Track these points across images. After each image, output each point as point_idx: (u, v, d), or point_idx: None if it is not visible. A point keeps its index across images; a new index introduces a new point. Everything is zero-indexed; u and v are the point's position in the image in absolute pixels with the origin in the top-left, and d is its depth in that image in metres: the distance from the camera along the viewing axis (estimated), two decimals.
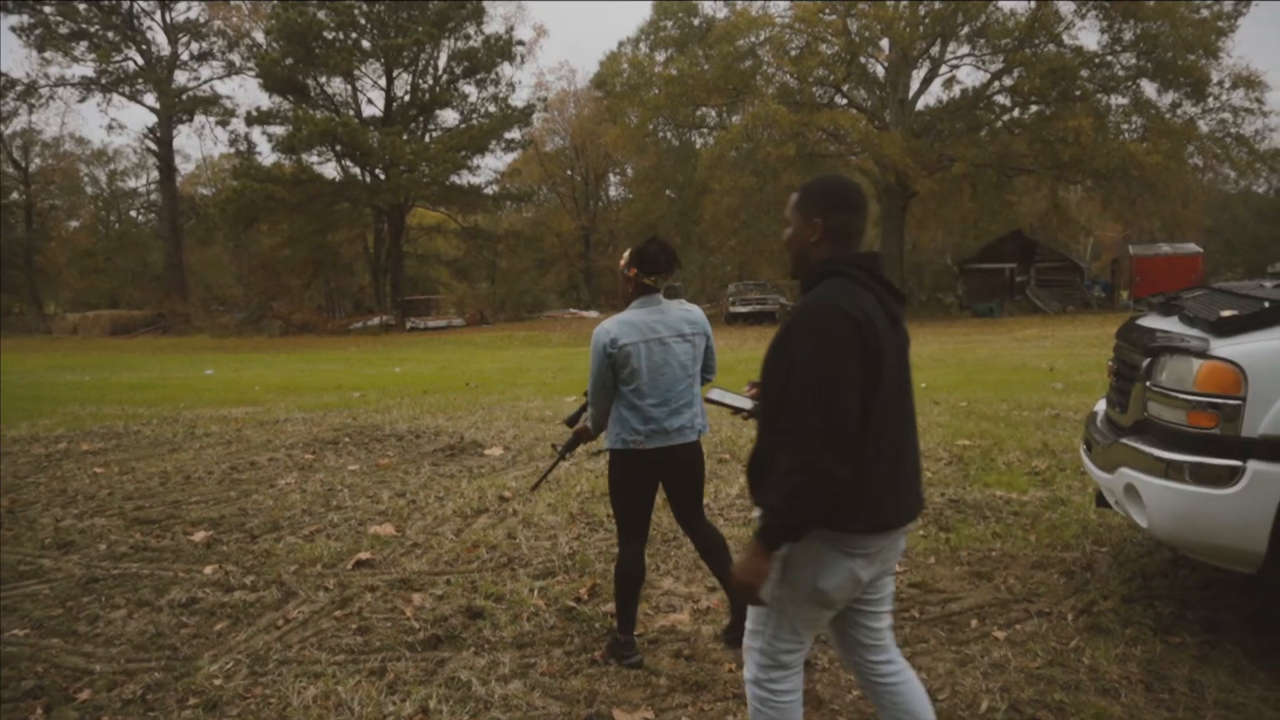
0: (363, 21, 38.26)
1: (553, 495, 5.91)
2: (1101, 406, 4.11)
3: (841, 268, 2.00)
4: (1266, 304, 3.09)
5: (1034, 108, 34.69)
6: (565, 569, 4.42)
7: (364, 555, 4.72)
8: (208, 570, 4.61)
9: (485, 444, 8.15)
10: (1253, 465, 2.91)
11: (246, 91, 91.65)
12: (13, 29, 43.27)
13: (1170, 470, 3.09)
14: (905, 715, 2.17)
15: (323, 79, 40.20)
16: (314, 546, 4.94)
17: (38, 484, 7.00)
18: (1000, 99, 36.13)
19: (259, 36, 43.17)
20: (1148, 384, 3.31)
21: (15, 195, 51.65)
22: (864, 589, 2.10)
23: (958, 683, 3.07)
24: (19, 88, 45.35)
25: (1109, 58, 33.70)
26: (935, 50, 36.20)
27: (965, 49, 36.22)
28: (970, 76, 38.23)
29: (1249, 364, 2.94)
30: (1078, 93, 33.22)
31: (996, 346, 19.62)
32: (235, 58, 46.76)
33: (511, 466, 7.15)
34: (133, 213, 58.77)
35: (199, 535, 5.31)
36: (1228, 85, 32.31)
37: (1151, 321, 3.70)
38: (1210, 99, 32.69)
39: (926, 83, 37.06)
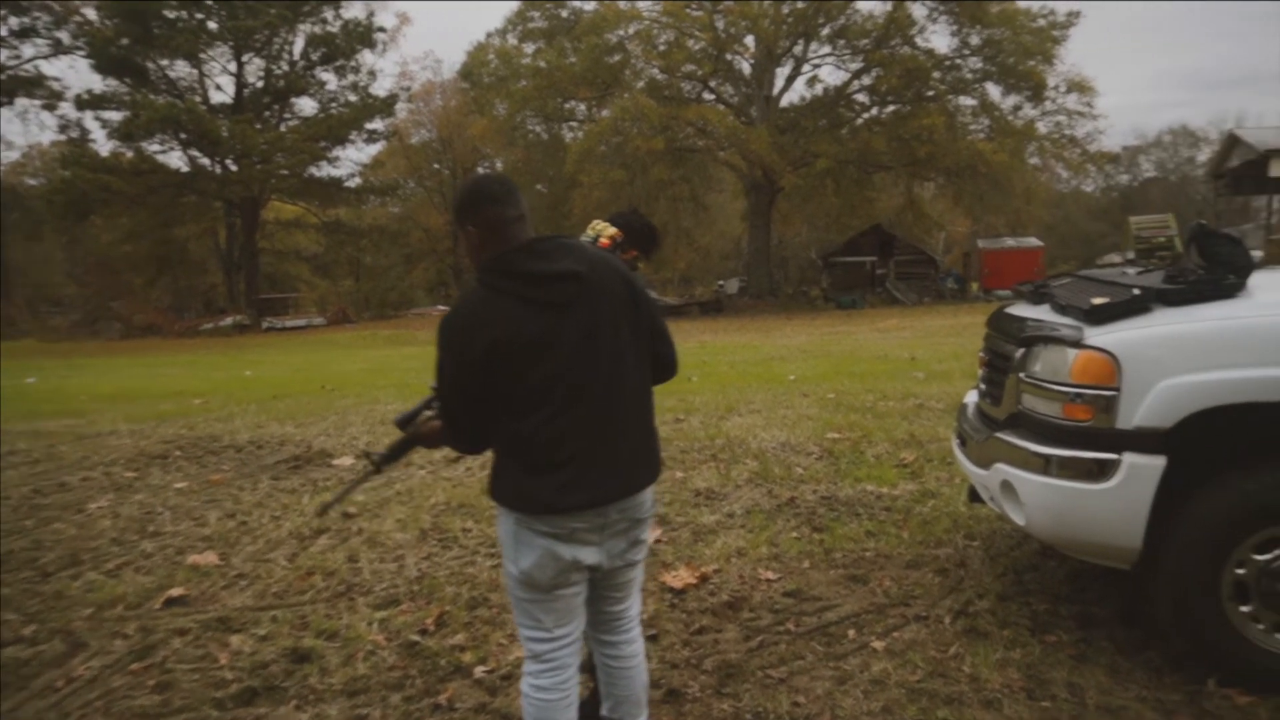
0: (209, 1, 35.70)
1: (404, 510, 5.41)
2: (972, 398, 3.99)
3: (480, 276, 2.02)
4: (1136, 291, 2.99)
5: (891, 107, 36.10)
6: (411, 595, 3.96)
7: (177, 591, 4.10)
8: None
9: (335, 453, 7.51)
10: (1128, 458, 2.80)
11: (78, 73, 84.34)
12: None
13: (1047, 466, 2.95)
14: (620, 695, 2.33)
15: (164, 61, 37.27)
16: (117, 583, 4.28)
17: None
18: (860, 97, 37.40)
19: (90, 13, 39.63)
20: (1021, 375, 3.17)
21: None
22: (592, 571, 2.12)
23: (837, 705, 2.83)
24: None
25: (958, 61, 35.43)
26: (799, 49, 37.08)
27: (826, 49, 37.28)
28: (832, 75, 39.38)
29: (1123, 353, 2.82)
30: (931, 93, 34.79)
31: (860, 338, 20.15)
32: (64, 35, 42.74)
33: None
34: None
35: None
36: (1063, 89, 34.58)
37: (1022, 310, 3.59)
38: (1048, 102, 34.89)
39: (790, 80, 37.94)
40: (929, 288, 38.70)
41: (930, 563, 4.06)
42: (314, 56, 39.59)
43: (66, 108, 40.18)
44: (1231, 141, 32.03)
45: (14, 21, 42.36)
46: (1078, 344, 2.91)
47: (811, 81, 38.20)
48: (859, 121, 36.91)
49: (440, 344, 2.00)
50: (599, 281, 2.03)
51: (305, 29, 38.97)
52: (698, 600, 3.74)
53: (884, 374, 11.97)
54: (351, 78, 40.68)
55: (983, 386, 3.72)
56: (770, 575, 3.98)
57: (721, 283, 48.61)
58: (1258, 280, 3.01)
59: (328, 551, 4.65)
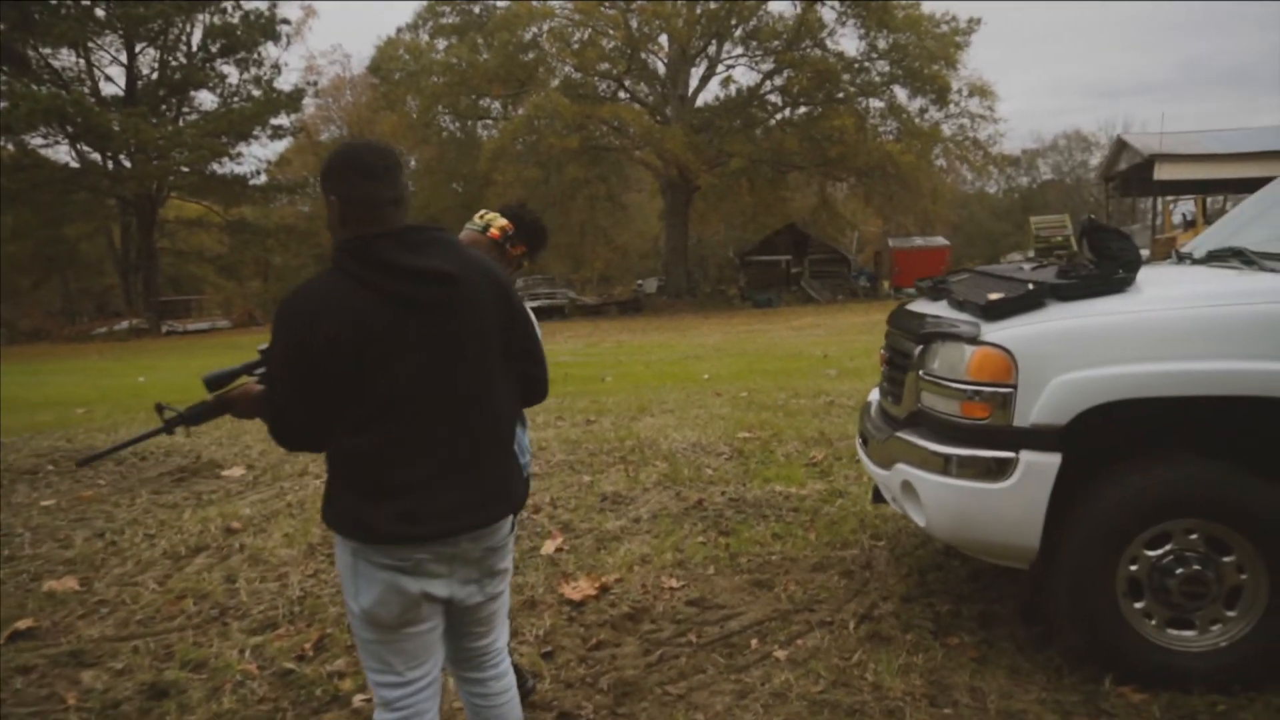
0: None
1: (292, 523, 5.08)
2: (876, 396, 3.94)
3: (335, 257, 1.78)
4: (1031, 285, 2.95)
5: (803, 108, 36.69)
6: (291, 618, 3.68)
7: (25, 623, 3.72)
8: None
9: (225, 463, 7.08)
10: (1025, 456, 2.76)
11: None
12: None
13: (946, 465, 2.89)
14: None
15: (46, 50, 35.08)
16: None
17: None
18: (773, 98, 37.89)
19: None
20: (920, 373, 3.11)
21: None
22: (446, 604, 1.87)
23: None
24: None
25: (867, 64, 36.23)
26: (712, 49, 37.34)
27: (739, 49, 37.64)
28: (745, 76, 39.72)
29: (1018, 349, 2.77)
30: (841, 95, 35.49)
31: (775, 335, 20.35)
32: None
33: (251, 489, 6.19)
34: None
35: None
36: (965, 93, 35.72)
37: (921, 306, 3.54)
38: (952, 105, 35.99)
39: (705, 80, 38.16)
40: (842, 286, 39.49)
41: (836, 565, 3.99)
42: (213, 48, 37.87)
43: None
44: (1120, 146, 33.72)
45: None
46: (974, 340, 2.86)
47: (725, 82, 38.52)
48: (772, 122, 37.38)
49: (276, 325, 1.74)
50: (471, 287, 1.80)
51: (203, 19, 37.27)
52: (597, 613, 3.57)
53: (797, 372, 12.05)
54: (254, 71, 39.08)
55: (885, 385, 3.66)
56: (674, 583, 3.84)
57: (640, 282, 48.63)
58: (1145, 275, 3.01)
59: (203, 572, 4.32)
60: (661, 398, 9.81)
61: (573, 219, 36.41)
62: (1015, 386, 2.76)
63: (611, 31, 34.44)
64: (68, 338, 35.02)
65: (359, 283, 1.72)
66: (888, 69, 35.92)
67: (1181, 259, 3.78)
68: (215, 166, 38.60)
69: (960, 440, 2.88)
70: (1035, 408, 2.73)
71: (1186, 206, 28.71)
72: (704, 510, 5.00)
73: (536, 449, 7.06)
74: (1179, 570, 2.73)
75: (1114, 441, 2.80)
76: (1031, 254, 31.14)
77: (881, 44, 35.48)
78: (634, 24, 34.69)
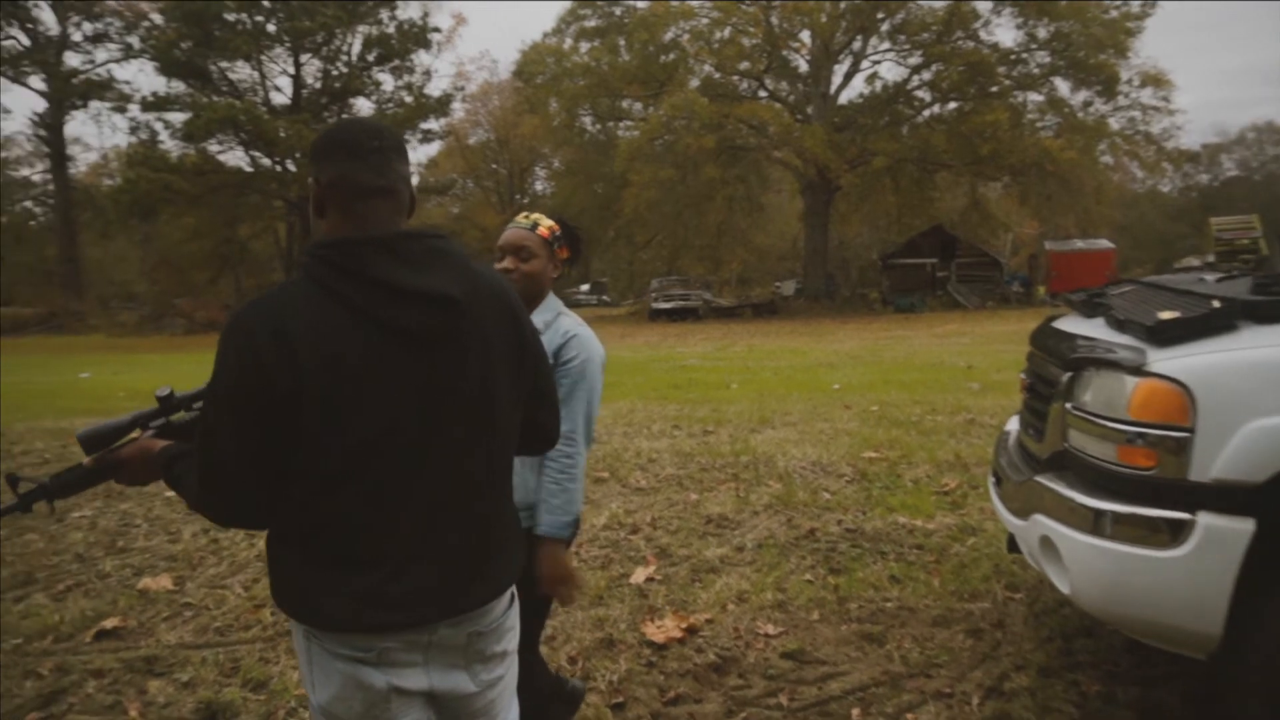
0: (266, 3, 36.23)
1: None
2: (1015, 426, 3.38)
3: (305, 263, 1.37)
4: (1216, 303, 2.36)
5: (953, 103, 34.86)
6: None
7: (112, 622, 3.72)
8: None
9: None
10: (1205, 519, 2.18)
11: (147, 76, 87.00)
12: None
13: (1097, 523, 2.35)
14: None
15: (225, 63, 37.95)
16: (58, 609, 3.92)
17: None
18: (920, 94, 36.22)
19: (158, 18, 40.64)
20: (1068, 406, 2.57)
21: None
22: (429, 698, 1.48)
23: None
24: None
25: (1024, 55, 34.02)
26: (857, 44, 36.08)
27: (886, 44, 36.19)
28: (891, 71, 38.13)
29: (1198, 384, 2.20)
30: (995, 88, 33.48)
31: (915, 343, 19.28)
32: (134, 40, 43.97)
33: None
34: (28, 204, 55.17)
35: None
36: (1136, 84, 32.94)
37: (1072, 325, 2.97)
38: (1120, 97, 33.28)
39: (848, 77, 36.96)
40: (993, 291, 37.28)
41: (961, 620, 3.45)
42: (370, 57, 39.90)
43: (135, 110, 41.32)
44: None
45: (88, 27, 43.91)
46: (1138, 370, 2.30)
47: (870, 78, 37.13)
48: (919, 119, 35.71)
49: (221, 350, 1.34)
50: (477, 315, 1.43)
51: (362, 30, 39.28)
52: (680, 659, 3.20)
53: (936, 384, 11.23)
54: (407, 78, 40.88)
55: (1025, 416, 3.11)
56: (770, 629, 3.42)
57: (778, 284, 47.75)
58: None
59: None
60: (786, 409, 9.31)
61: (709, 220, 36.06)
62: (1192, 431, 2.19)
63: (751, 29, 33.85)
64: None
65: (333, 299, 1.33)
66: (1048, 60, 33.61)
67: None
68: None
69: (1117, 493, 2.33)
70: (1220, 459, 2.16)
71: None
72: (815, 541, 4.53)
73: (647, 460, 6.77)
74: None
75: None
76: (1211, 259, 28.32)
77: (1042, 33, 33.22)
78: (775, 21, 33.95)
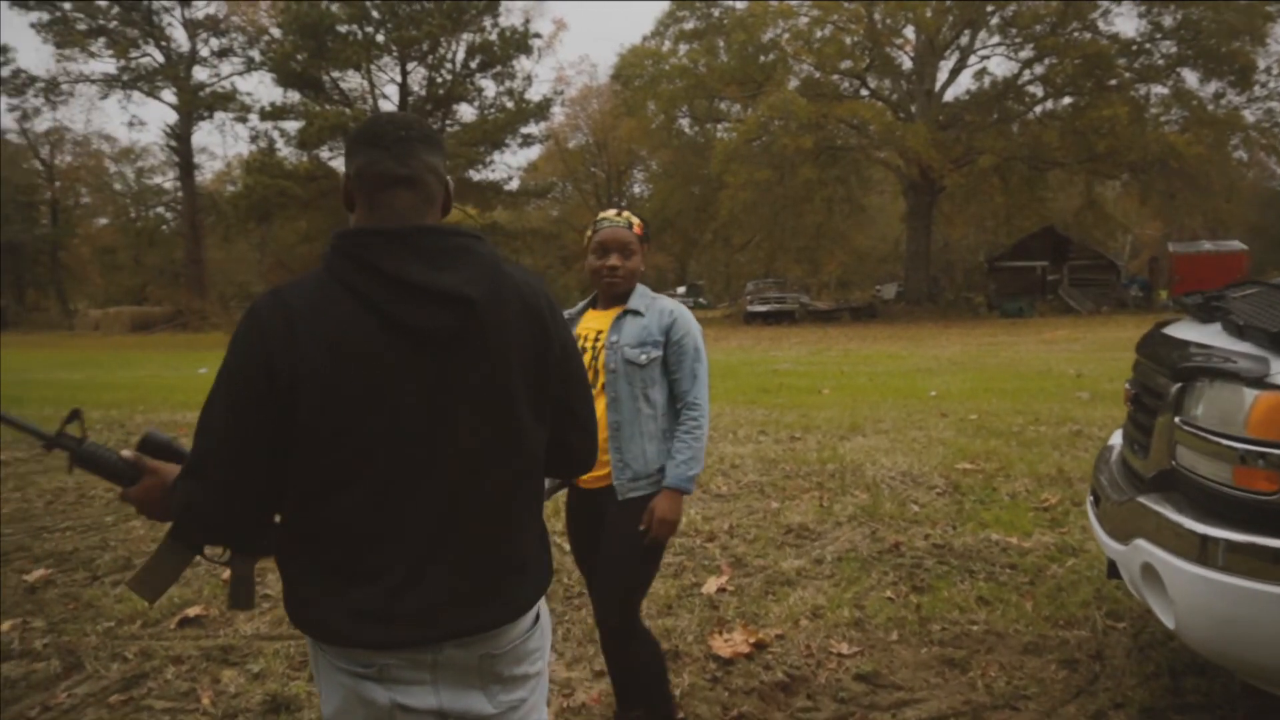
0: (375, 14, 37.62)
1: None
2: (1119, 440, 3.10)
3: (326, 254, 1.32)
4: None
5: (1067, 98, 33.22)
6: None
7: (196, 610, 3.83)
8: (5, 626, 3.76)
9: None
10: None
11: (267, 88, 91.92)
12: (32, 25, 43.35)
13: (1206, 552, 2.10)
14: None
15: (337, 73, 39.62)
16: None
17: None
18: (1032, 89, 34.68)
19: (277, 32, 42.81)
20: (1176, 420, 2.32)
21: (46, 193, 52.26)
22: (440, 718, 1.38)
23: None
24: (40, 84, 45.44)
25: (1147, 45, 32.13)
26: (964, 40, 34.83)
27: (996, 38, 34.79)
28: (1001, 66, 36.67)
29: None
30: (1114, 81, 31.72)
31: (1022, 349, 18.41)
32: (255, 53, 46.48)
33: None
34: (160, 209, 59.09)
35: (34, 574, 4.47)
36: (1276, 73, 30.66)
37: (1184, 331, 2.69)
38: (1256, 87, 31.07)
39: (955, 73, 35.76)
40: (1109, 295, 35.39)
41: (1055, 649, 3.19)
42: (473, 64, 40.91)
43: (254, 119, 43.64)
44: None
45: (214, 43, 46.66)
46: (1260, 382, 2.05)
47: (979, 74, 35.80)
48: (1030, 115, 34.18)
49: (236, 331, 1.30)
50: (497, 318, 1.34)
51: (466, 38, 40.34)
52: (746, 676, 3.06)
53: (1041, 392, 10.66)
54: (508, 84, 41.72)
55: (1129, 431, 2.84)
56: (845, 648, 3.24)
57: (879, 287, 46.65)
58: None
59: None
60: (878, 415, 8.99)
61: (807, 221, 35.47)
62: None
63: (853, 26, 33.12)
64: None
65: (346, 291, 1.28)
66: (1174, 49, 31.68)
67: None
68: (471, 173, 41.63)
69: (1230, 519, 2.08)
70: None
71: None
72: (899, 556, 4.30)
73: (730, 466, 6.62)
74: None
75: None
76: None
77: (1168, 21, 31.35)
78: (877, 17, 33.12)
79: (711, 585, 3.93)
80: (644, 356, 2.38)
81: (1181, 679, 2.90)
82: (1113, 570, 2.88)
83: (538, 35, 41.03)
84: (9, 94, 46.01)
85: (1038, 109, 34.56)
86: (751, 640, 3.28)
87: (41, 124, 51.18)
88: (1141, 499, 2.41)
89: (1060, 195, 39.96)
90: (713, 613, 3.64)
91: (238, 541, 1.48)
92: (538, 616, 1.49)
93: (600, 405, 2.38)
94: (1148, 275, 39.95)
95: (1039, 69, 33.46)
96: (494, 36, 39.95)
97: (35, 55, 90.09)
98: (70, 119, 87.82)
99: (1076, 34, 31.90)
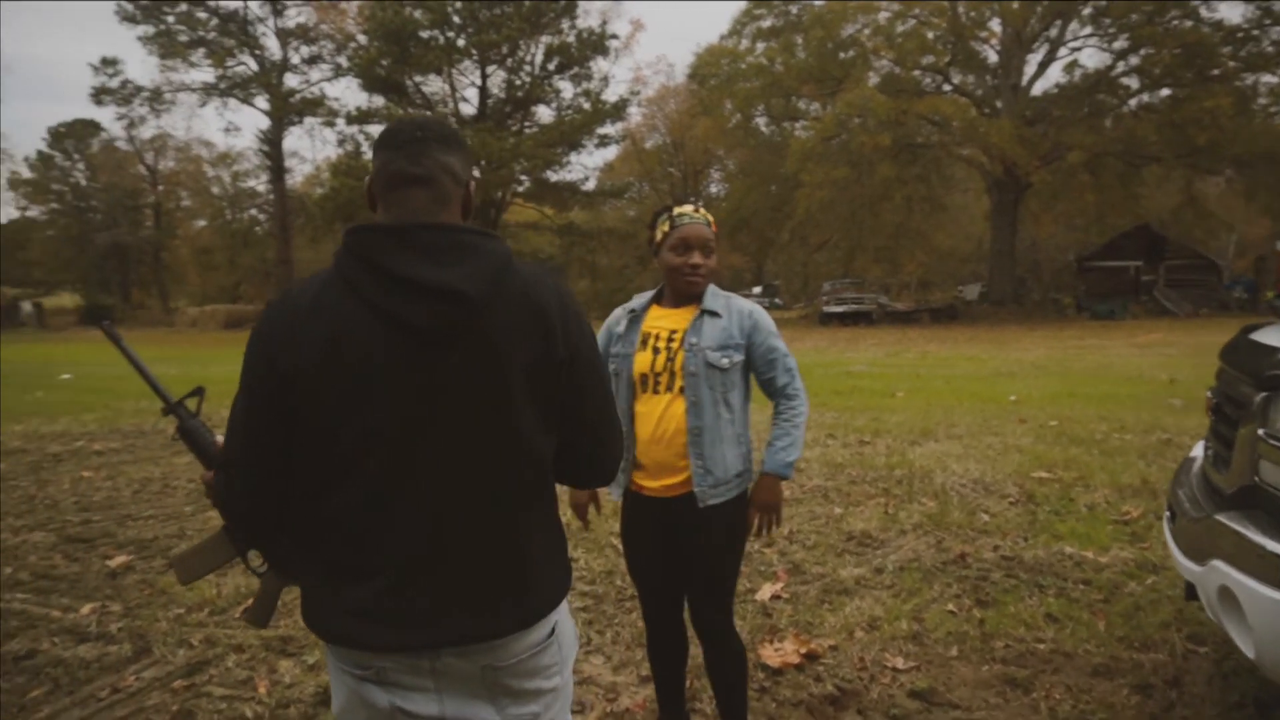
0: (457, 19, 38.40)
1: None
2: (1200, 452, 2.91)
3: (337, 252, 1.32)
4: None
5: (1165, 90, 31.65)
6: None
7: None
8: (85, 610, 3.94)
9: None
10: None
11: (353, 93, 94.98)
12: (139, 39, 45.72)
13: None
14: None
15: (419, 78, 40.60)
16: (217, 583, 4.20)
17: (16, 488, 6.62)
18: (1127, 81, 33.15)
19: (363, 39, 44.15)
20: (1261, 432, 2.15)
21: (150, 197, 55.15)
22: None
23: None
24: (145, 94, 47.93)
25: (1255, 32, 30.34)
26: (1053, 31, 33.53)
27: (1088, 29, 33.38)
28: (1093, 58, 35.15)
29: None
30: (1216, 71, 30.04)
31: (1111, 353, 17.62)
32: (343, 60, 48.04)
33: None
34: (253, 211, 61.67)
35: (116, 560, 4.69)
36: None
37: (1273, 336, 2.50)
38: None
39: (1043, 66, 34.42)
40: (1209, 297, 33.62)
41: (1128, 672, 3.00)
42: (551, 66, 41.39)
43: (341, 124, 45.09)
44: None
45: (305, 50, 48.40)
46: None
47: (1069, 66, 34.40)
48: (1124, 108, 32.69)
49: (249, 338, 1.34)
50: (498, 317, 1.31)
51: (544, 40, 40.83)
52: (794, 688, 2.98)
53: (1129, 399, 10.16)
54: (585, 85, 42.05)
55: (1210, 443, 2.66)
56: (900, 663, 3.12)
57: (961, 288, 45.37)
58: None
59: None
60: (952, 420, 8.71)
61: (885, 220, 34.70)
62: None
63: (935, 20, 32.24)
64: None
65: (349, 289, 1.29)
66: None
67: None
68: (549, 174, 42.12)
69: None
70: None
71: None
72: (965, 567, 4.13)
73: (795, 470, 6.49)
74: None
75: None
76: None
77: (1279, 6, 29.49)
78: (961, 11, 32.16)
79: (766, 592, 3.84)
80: (726, 360, 2.30)
81: (1271, 712, 2.70)
82: (1191, 592, 2.69)
83: (615, 36, 41.27)
84: (117, 103, 48.82)
85: (1132, 102, 33.04)
86: (803, 650, 3.19)
87: (146, 131, 53.97)
88: (1220, 517, 2.24)
89: (1157, 192, 38.14)
90: (765, 620, 3.56)
91: (267, 542, 1.50)
92: (553, 630, 1.44)
93: (677, 408, 2.31)
94: (1253, 276, 37.78)
95: (1134, 60, 31.96)
96: (571, 38, 40.34)
97: (141, 66, 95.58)
98: (172, 126, 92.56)
99: (1175, 22, 30.36)
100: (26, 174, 53.43)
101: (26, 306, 50.40)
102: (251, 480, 1.35)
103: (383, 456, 1.29)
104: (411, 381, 1.28)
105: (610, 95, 42.79)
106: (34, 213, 55.61)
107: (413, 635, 1.30)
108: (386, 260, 1.26)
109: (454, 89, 42.38)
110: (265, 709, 2.98)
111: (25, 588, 4.33)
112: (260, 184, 58.62)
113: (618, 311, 2.53)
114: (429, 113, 38.40)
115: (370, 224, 1.31)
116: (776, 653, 3.19)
